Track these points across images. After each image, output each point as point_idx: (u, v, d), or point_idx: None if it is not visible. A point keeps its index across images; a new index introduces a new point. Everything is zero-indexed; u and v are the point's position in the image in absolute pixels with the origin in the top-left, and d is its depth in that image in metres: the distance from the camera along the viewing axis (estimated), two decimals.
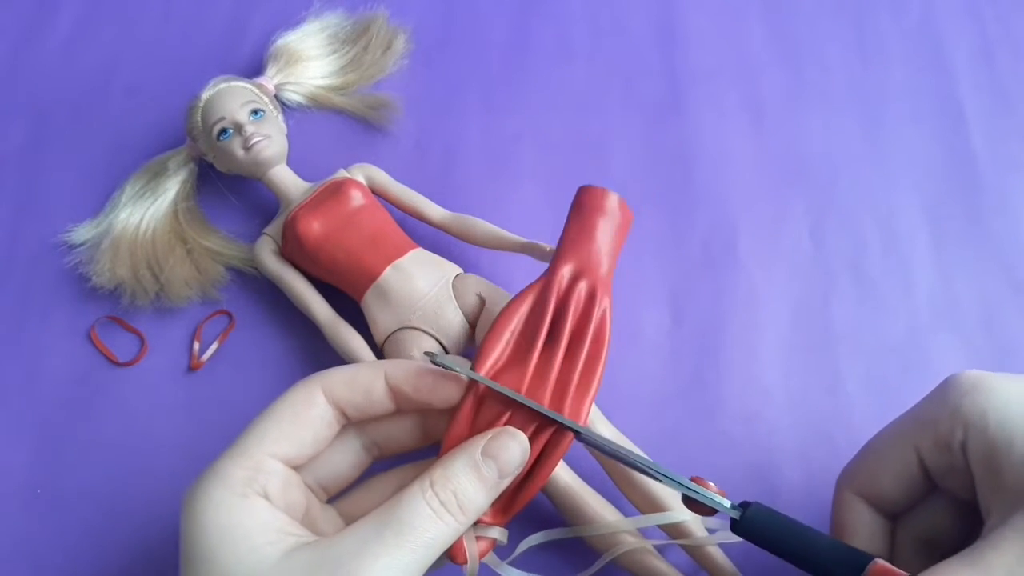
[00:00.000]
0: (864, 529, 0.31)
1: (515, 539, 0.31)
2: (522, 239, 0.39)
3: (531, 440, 0.28)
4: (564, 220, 0.33)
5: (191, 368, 0.40)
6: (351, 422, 0.29)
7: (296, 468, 0.28)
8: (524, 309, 0.31)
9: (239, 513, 0.25)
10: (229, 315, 0.41)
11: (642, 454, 0.35)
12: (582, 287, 0.31)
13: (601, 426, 0.36)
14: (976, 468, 0.28)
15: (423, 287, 0.38)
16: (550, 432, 0.28)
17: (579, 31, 0.50)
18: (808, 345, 0.41)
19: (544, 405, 0.29)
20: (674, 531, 0.34)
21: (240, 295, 0.42)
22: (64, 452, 0.39)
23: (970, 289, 0.42)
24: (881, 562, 0.27)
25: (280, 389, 0.39)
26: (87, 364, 0.41)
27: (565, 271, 0.31)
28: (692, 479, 0.29)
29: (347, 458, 0.30)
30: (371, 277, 0.38)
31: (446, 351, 0.37)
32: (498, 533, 0.28)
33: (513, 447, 0.27)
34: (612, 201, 0.33)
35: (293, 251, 0.40)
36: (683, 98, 0.48)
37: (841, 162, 0.45)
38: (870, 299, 0.42)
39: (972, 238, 0.43)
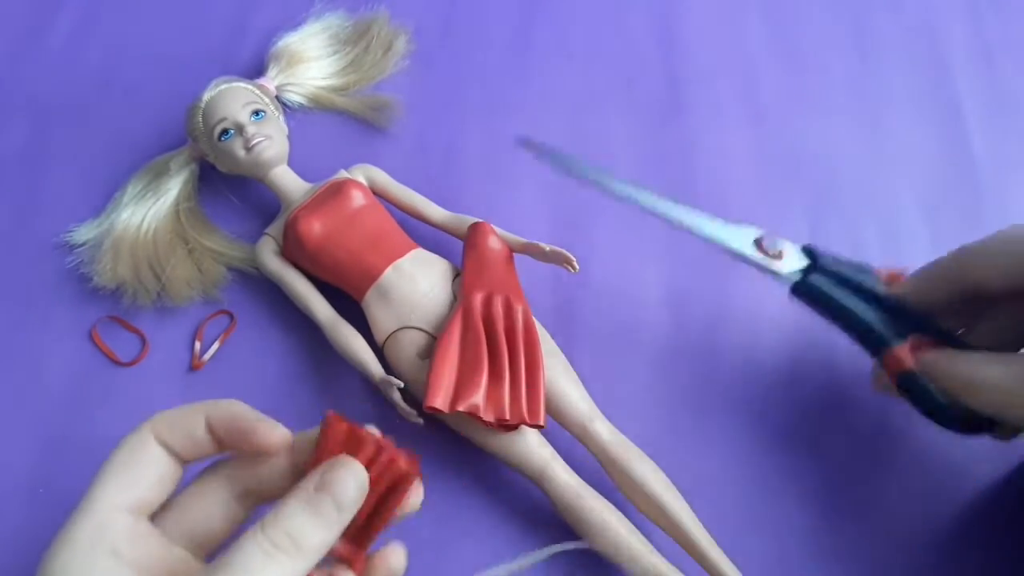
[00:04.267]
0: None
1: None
2: (521, 239, 0.40)
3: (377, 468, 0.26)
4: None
5: (192, 368, 0.40)
6: (186, 462, 0.28)
7: (152, 518, 0.27)
8: (456, 339, 0.36)
9: (86, 573, 0.24)
10: (230, 315, 0.42)
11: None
12: (497, 302, 0.36)
13: (600, 425, 0.36)
14: None
15: (424, 287, 0.38)
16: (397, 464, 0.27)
17: (579, 31, 0.50)
18: (809, 346, 0.41)
19: (504, 413, 0.34)
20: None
21: (241, 295, 0.42)
22: (65, 451, 0.39)
23: None
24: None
25: (281, 389, 0.40)
26: (88, 364, 0.41)
27: (477, 297, 0.36)
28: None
29: (217, 510, 0.28)
30: (372, 277, 0.38)
31: None
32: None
33: (347, 479, 0.25)
34: (493, 230, 0.39)
35: (294, 251, 0.40)
36: (683, 98, 0.48)
37: (841, 162, 0.45)
38: None
39: (971, 237, 0.43)
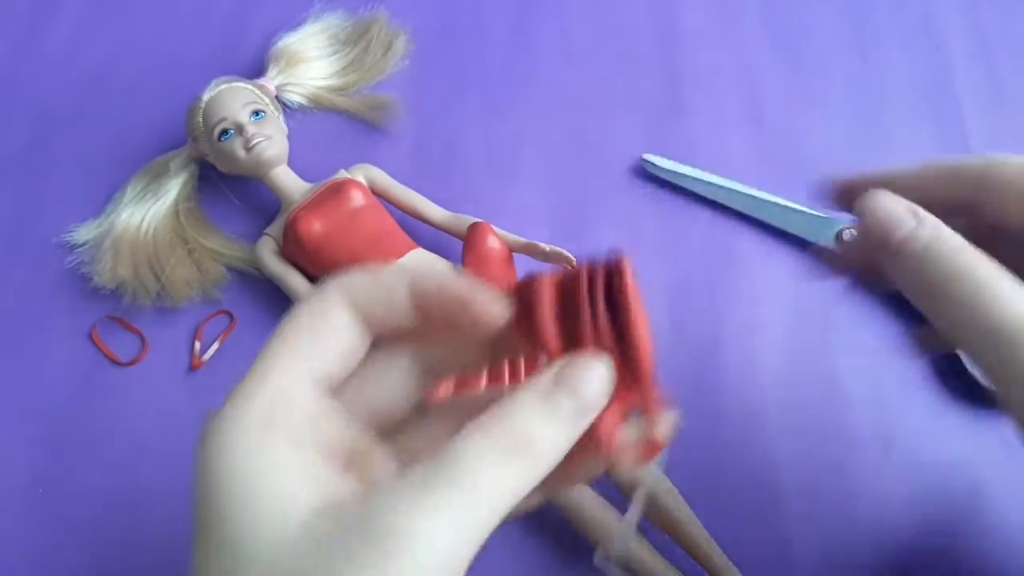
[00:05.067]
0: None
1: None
2: (521, 239, 0.40)
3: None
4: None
5: (192, 368, 0.40)
6: (377, 335, 0.24)
7: (332, 392, 0.23)
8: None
9: (257, 457, 0.20)
10: (230, 315, 0.42)
11: None
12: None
13: None
14: None
15: None
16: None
17: (579, 31, 0.50)
18: (809, 346, 0.41)
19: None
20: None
21: (241, 295, 0.42)
22: (65, 451, 0.39)
23: None
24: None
25: None
26: (88, 364, 0.41)
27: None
28: None
29: (400, 386, 0.24)
30: None
31: None
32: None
33: (588, 374, 0.22)
34: (492, 230, 0.39)
35: (294, 251, 0.40)
36: (683, 98, 0.48)
37: (840, 162, 0.45)
38: (871, 298, 0.42)
39: None
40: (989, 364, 0.24)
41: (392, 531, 0.18)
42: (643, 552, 0.34)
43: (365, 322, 0.23)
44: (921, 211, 0.26)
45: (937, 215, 0.26)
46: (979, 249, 0.25)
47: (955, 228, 0.26)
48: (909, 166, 0.29)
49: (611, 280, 0.23)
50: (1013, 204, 0.27)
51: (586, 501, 0.34)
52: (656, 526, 0.35)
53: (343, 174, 0.42)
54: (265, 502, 0.19)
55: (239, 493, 0.20)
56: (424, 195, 0.42)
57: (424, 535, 0.18)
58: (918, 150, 0.46)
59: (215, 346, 0.41)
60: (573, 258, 0.38)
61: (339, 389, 0.23)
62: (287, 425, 0.21)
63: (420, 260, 0.39)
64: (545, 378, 0.21)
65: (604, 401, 0.22)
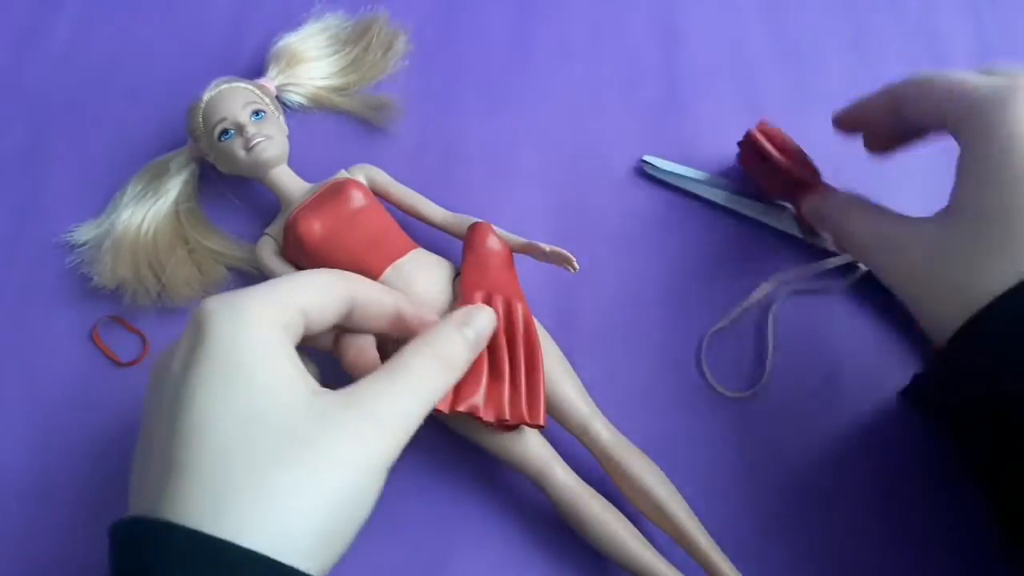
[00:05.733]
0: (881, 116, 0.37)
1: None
2: (522, 239, 0.40)
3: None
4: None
5: None
6: (348, 325, 0.32)
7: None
8: None
9: (279, 337, 0.27)
10: None
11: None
12: (497, 302, 0.36)
13: (600, 425, 0.36)
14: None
15: (424, 287, 0.38)
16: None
17: (579, 31, 0.50)
18: (808, 347, 0.41)
19: (504, 412, 0.34)
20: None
21: None
22: (65, 452, 0.39)
23: None
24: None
25: None
26: (88, 364, 0.41)
27: (476, 297, 0.36)
28: None
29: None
30: (372, 277, 0.38)
31: None
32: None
33: (486, 319, 0.32)
34: (493, 230, 0.39)
35: (294, 251, 0.40)
36: (683, 98, 0.48)
37: (841, 161, 0.45)
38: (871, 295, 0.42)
39: None
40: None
41: (379, 415, 0.26)
42: (642, 552, 0.34)
43: (350, 313, 0.31)
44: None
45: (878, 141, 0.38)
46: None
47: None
48: (874, 93, 0.37)
49: None
50: (926, 116, 0.34)
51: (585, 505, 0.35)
52: (656, 524, 0.35)
53: (343, 174, 0.42)
54: (287, 371, 0.26)
55: (272, 357, 0.26)
56: (424, 195, 0.42)
57: (398, 419, 0.27)
58: (918, 150, 0.46)
59: None
60: (573, 258, 0.38)
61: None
62: (293, 332, 0.28)
63: (420, 260, 0.39)
64: (457, 315, 0.32)
65: (490, 335, 0.33)
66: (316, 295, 0.29)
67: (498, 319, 0.35)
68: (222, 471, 0.24)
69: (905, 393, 0.36)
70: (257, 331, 0.26)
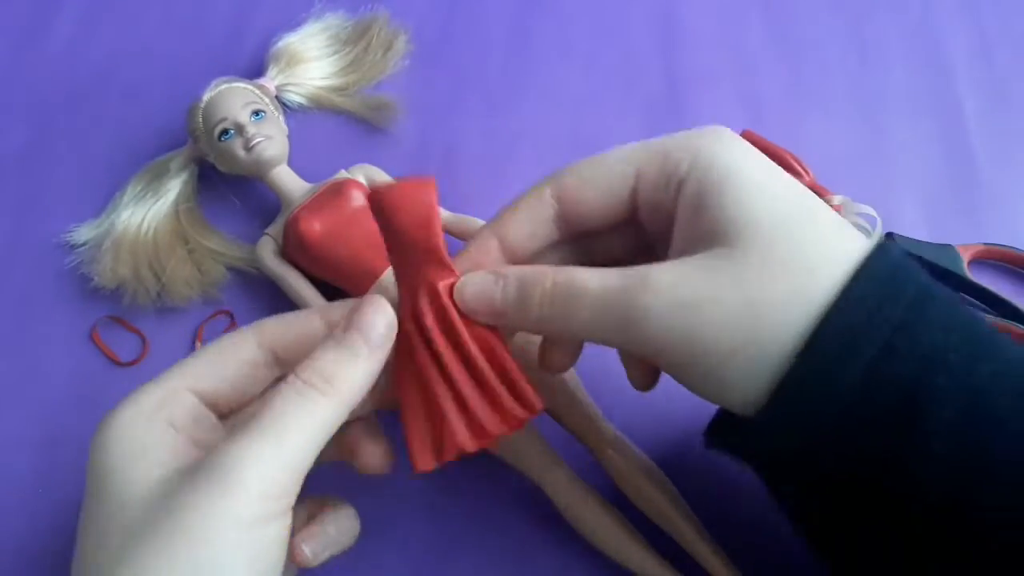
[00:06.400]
0: (534, 225, 0.29)
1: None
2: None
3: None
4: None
5: None
6: (284, 364, 0.28)
7: (220, 412, 0.28)
8: (408, 384, 0.28)
9: (142, 433, 0.25)
10: (230, 315, 0.42)
11: None
12: (423, 304, 0.28)
13: (602, 425, 0.36)
14: (681, 205, 0.27)
15: None
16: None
17: (579, 31, 0.50)
18: None
19: (492, 430, 0.28)
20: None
21: (241, 295, 0.42)
22: (65, 451, 0.39)
23: None
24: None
25: None
26: (88, 364, 0.41)
27: (406, 305, 0.28)
28: None
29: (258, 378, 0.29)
30: (372, 276, 0.38)
31: None
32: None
33: (373, 314, 0.26)
34: (397, 193, 0.27)
35: (294, 251, 0.40)
36: (683, 98, 0.48)
37: (840, 162, 0.45)
38: None
39: (971, 237, 0.43)
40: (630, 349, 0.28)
41: (224, 467, 0.23)
42: (643, 552, 0.34)
43: (277, 361, 0.28)
44: (503, 268, 0.28)
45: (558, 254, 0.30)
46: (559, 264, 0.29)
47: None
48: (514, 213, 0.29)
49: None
50: (594, 209, 0.28)
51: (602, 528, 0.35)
52: (657, 524, 0.35)
53: (343, 174, 0.42)
54: (142, 464, 0.25)
55: (126, 457, 0.25)
56: None
57: (249, 467, 0.23)
58: (918, 150, 0.46)
59: None
60: None
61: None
62: (167, 417, 0.26)
63: None
64: (340, 325, 0.26)
65: (391, 336, 0.26)
66: (206, 368, 0.27)
67: (432, 327, 0.27)
68: None
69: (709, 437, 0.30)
70: (117, 439, 0.25)
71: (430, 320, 0.27)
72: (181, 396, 0.26)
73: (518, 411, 0.28)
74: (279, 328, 0.28)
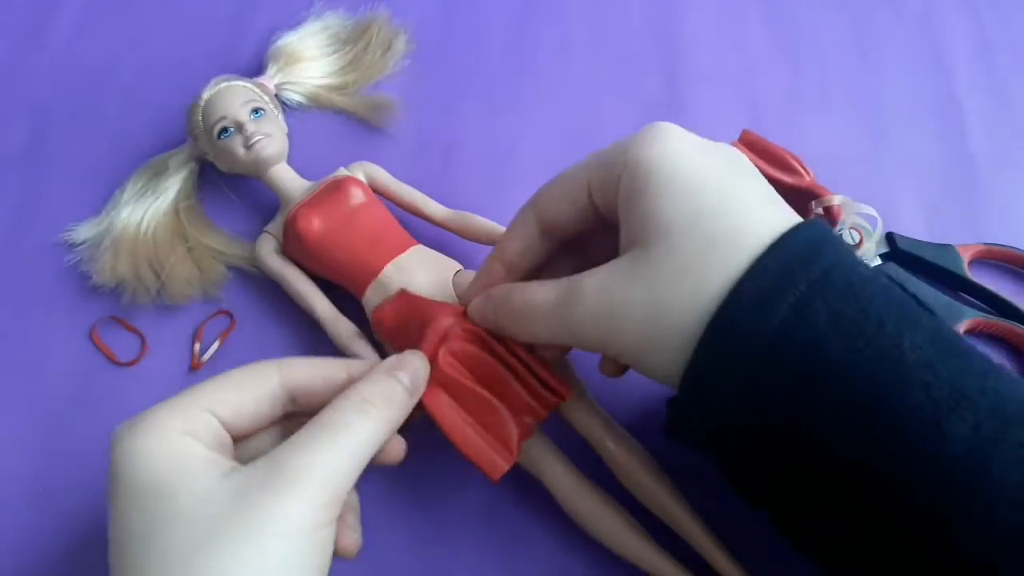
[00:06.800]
0: (524, 241, 0.32)
1: None
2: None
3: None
4: None
5: (192, 368, 0.40)
6: (301, 410, 0.30)
7: (234, 439, 0.29)
8: (452, 410, 0.33)
9: (174, 446, 0.26)
10: (230, 315, 0.41)
11: None
12: (452, 338, 0.33)
13: (609, 442, 0.36)
14: (619, 205, 0.29)
15: (424, 284, 0.38)
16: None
17: (579, 31, 0.50)
18: None
19: (540, 415, 0.33)
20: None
21: (241, 294, 0.42)
22: (65, 452, 0.39)
23: None
24: None
25: None
26: (87, 364, 0.41)
27: (437, 352, 0.32)
28: None
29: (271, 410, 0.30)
30: (372, 274, 0.38)
31: None
32: None
33: (417, 359, 0.31)
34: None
35: (294, 249, 0.40)
36: (683, 98, 0.48)
37: (840, 162, 0.45)
38: None
39: (971, 237, 0.43)
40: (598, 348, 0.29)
41: (290, 465, 0.25)
42: (644, 545, 0.34)
43: (293, 397, 0.29)
44: (490, 290, 0.32)
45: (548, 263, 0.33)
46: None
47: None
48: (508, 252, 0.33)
49: None
50: (563, 219, 0.31)
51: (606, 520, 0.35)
52: (657, 515, 0.35)
53: (342, 172, 0.42)
54: (192, 475, 0.25)
55: (173, 468, 0.25)
56: (423, 195, 0.42)
57: (312, 464, 0.25)
58: (918, 150, 0.46)
59: (215, 346, 0.41)
60: None
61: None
62: (189, 430, 0.26)
63: (421, 257, 0.39)
64: (387, 362, 0.30)
65: (425, 380, 0.31)
66: (229, 393, 0.28)
67: (458, 351, 0.33)
68: None
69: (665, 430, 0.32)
70: (156, 444, 0.26)
71: (459, 345, 0.32)
72: (202, 415, 0.27)
73: (552, 400, 0.33)
74: (306, 371, 0.29)
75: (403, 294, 0.36)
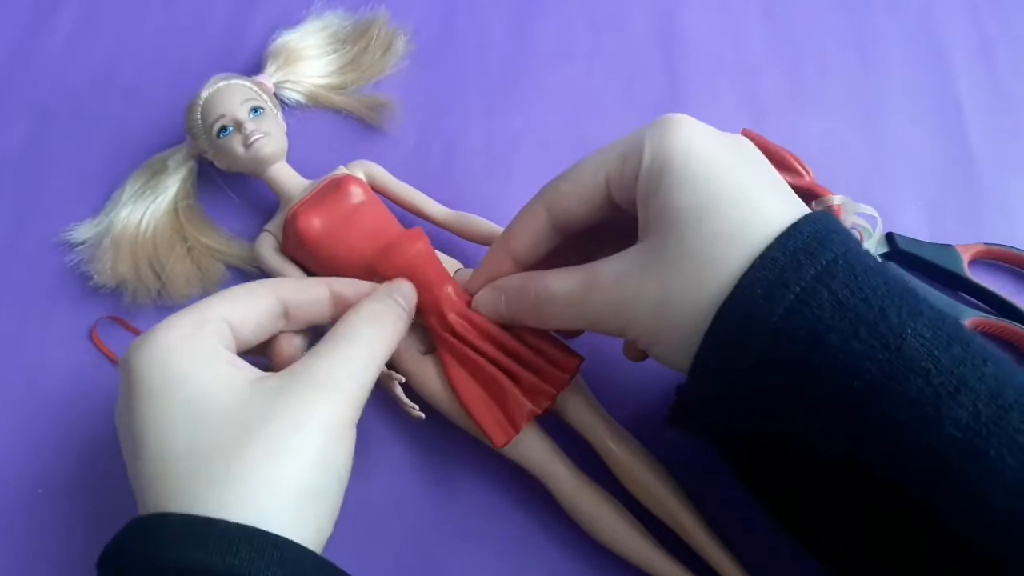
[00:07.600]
0: (534, 237, 0.33)
1: None
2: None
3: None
4: None
5: None
6: (291, 326, 0.33)
7: (238, 347, 0.31)
8: (464, 375, 0.35)
9: (204, 344, 0.28)
10: None
11: None
12: (452, 317, 0.35)
13: (610, 441, 0.36)
14: (638, 197, 0.29)
15: None
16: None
17: (579, 31, 0.50)
18: None
19: (550, 394, 0.34)
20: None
21: None
22: (65, 451, 0.39)
23: None
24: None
25: None
26: (88, 364, 0.41)
27: (437, 323, 0.35)
28: None
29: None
30: (372, 272, 0.38)
31: None
32: None
33: (407, 287, 0.34)
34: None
35: (294, 248, 0.40)
36: (683, 98, 0.48)
37: (840, 162, 0.45)
38: None
39: (971, 237, 0.43)
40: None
41: (317, 372, 0.28)
42: (645, 545, 0.34)
43: (285, 314, 0.32)
44: (503, 282, 0.34)
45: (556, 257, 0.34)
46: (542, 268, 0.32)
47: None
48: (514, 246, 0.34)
49: None
50: (577, 211, 0.32)
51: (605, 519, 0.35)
52: (657, 516, 0.35)
53: (342, 170, 0.42)
54: (221, 369, 0.28)
55: (202, 362, 0.28)
56: (423, 195, 0.42)
57: (336, 370, 0.29)
58: (918, 150, 0.46)
59: None
60: None
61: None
62: (216, 335, 0.29)
63: None
64: (383, 285, 0.33)
65: (414, 301, 0.34)
66: (237, 305, 0.30)
67: (461, 330, 0.34)
68: (186, 480, 0.26)
69: (670, 417, 0.32)
70: (179, 346, 0.28)
71: (461, 328, 0.34)
72: (217, 323, 0.29)
73: (564, 378, 0.34)
74: (295, 289, 0.32)
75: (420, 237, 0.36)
